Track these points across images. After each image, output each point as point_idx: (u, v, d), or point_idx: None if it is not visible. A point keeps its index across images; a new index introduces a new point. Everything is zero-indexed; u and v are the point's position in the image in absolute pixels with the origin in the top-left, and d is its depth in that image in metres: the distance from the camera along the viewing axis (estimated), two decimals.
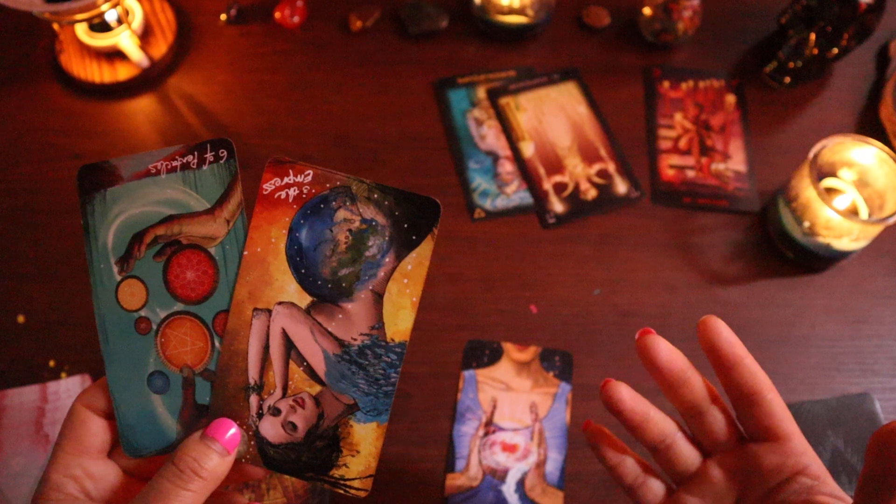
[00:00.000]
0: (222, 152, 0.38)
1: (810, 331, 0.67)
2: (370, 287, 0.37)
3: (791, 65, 0.77)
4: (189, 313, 0.37)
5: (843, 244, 0.65)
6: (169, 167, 0.37)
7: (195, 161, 0.37)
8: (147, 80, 0.79)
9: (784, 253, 0.69)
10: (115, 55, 0.78)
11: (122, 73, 0.78)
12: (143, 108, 0.78)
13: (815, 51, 0.75)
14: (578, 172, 0.74)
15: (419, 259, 0.37)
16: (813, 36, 0.75)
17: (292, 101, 0.78)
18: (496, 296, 0.68)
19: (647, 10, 0.79)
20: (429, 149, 0.75)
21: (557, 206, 0.72)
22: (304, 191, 0.37)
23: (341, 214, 0.37)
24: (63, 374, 0.64)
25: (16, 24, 0.82)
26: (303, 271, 0.37)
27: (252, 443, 0.37)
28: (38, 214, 0.72)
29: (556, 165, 0.74)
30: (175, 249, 0.38)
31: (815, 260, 0.68)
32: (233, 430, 0.36)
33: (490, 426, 0.62)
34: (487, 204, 0.72)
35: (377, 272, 0.37)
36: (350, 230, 0.37)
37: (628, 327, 0.67)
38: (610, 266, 0.70)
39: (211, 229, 0.37)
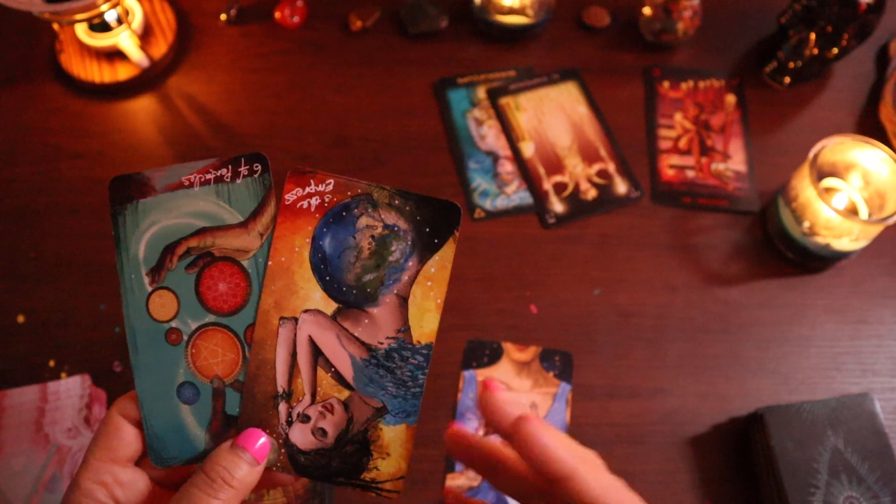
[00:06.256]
0: (256, 166, 0.38)
1: (810, 331, 0.67)
2: (395, 291, 0.37)
3: (791, 65, 0.77)
4: (221, 325, 0.38)
5: (843, 244, 0.65)
6: (202, 180, 0.38)
7: (229, 174, 0.38)
8: (147, 80, 0.79)
9: (784, 253, 0.69)
10: (115, 55, 0.78)
11: (122, 73, 0.78)
12: (143, 108, 0.78)
13: (815, 51, 0.75)
14: (578, 172, 0.74)
15: (442, 262, 0.37)
16: (813, 36, 0.74)
17: (292, 101, 0.78)
18: (496, 296, 0.68)
19: (647, 10, 0.79)
20: (429, 149, 0.75)
21: (557, 206, 0.72)
22: (326, 199, 0.37)
23: (364, 221, 0.37)
24: (63, 374, 0.64)
25: (16, 24, 0.82)
26: (327, 278, 0.37)
27: (282, 450, 0.37)
28: (38, 214, 0.72)
29: (556, 165, 0.74)
30: (207, 261, 0.38)
31: (815, 260, 0.68)
32: (262, 440, 0.36)
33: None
34: (487, 204, 0.72)
35: (401, 276, 0.37)
36: (373, 236, 0.37)
37: (628, 327, 0.67)
38: (610, 266, 0.70)
39: (244, 242, 0.38)
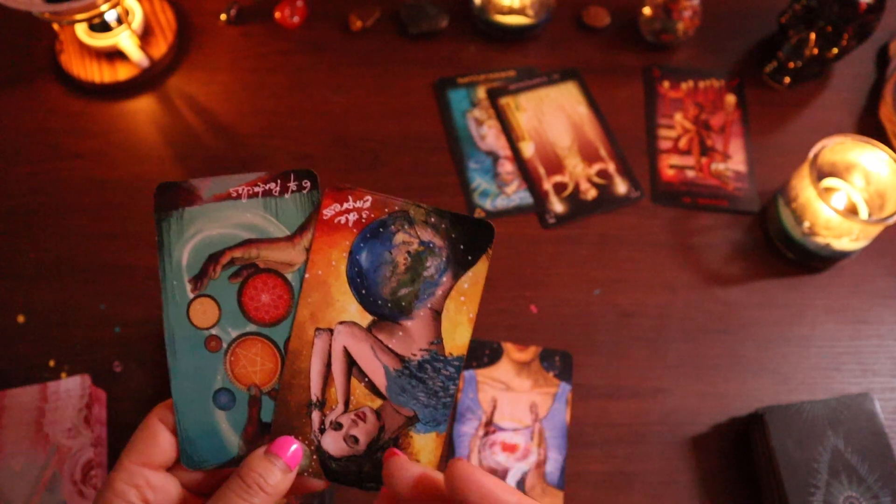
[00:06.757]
0: (305, 183, 0.39)
1: (810, 331, 0.67)
2: (428, 305, 0.38)
3: (791, 65, 0.77)
4: (261, 335, 0.38)
5: (843, 244, 0.65)
6: (250, 192, 0.38)
7: (277, 188, 0.38)
8: (147, 80, 0.79)
9: (784, 253, 0.69)
10: (115, 55, 0.78)
11: (122, 73, 0.78)
12: (143, 108, 0.78)
13: (815, 51, 0.75)
14: (578, 172, 0.74)
15: (475, 278, 0.38)
16: (813, 36, 0.75)
17: (292, 101, 0.78)
18: (496, 296, 0.68)
19: (647, 10, 0.79)
20: (429, 149, 0.75)
21: (557, 206, 0.72)
22: (364, 216, 0.38)
23: (400, 237, 0.38)
24: (63, 374, 0.64)
25: (16, 24, 0.82)
26: (363, 292, 0.38)
27: (314, 457, 0.38)
28: (38, 214, 0.72)
29: (556, 165, 0.74)
30: (251, 272, 0.38)
31: (815, 260, 0.68)
32: (294, 447, 0.37)
33: (490, 426, 0.62)
34: (487, 204, 0.72)
35: (435, 291, 0.38)
36: (409, 252, 0.38)
37: (628, 327, 0.67)
38: (610, 266, 0.70)
39: (289, 256, 0.38)
